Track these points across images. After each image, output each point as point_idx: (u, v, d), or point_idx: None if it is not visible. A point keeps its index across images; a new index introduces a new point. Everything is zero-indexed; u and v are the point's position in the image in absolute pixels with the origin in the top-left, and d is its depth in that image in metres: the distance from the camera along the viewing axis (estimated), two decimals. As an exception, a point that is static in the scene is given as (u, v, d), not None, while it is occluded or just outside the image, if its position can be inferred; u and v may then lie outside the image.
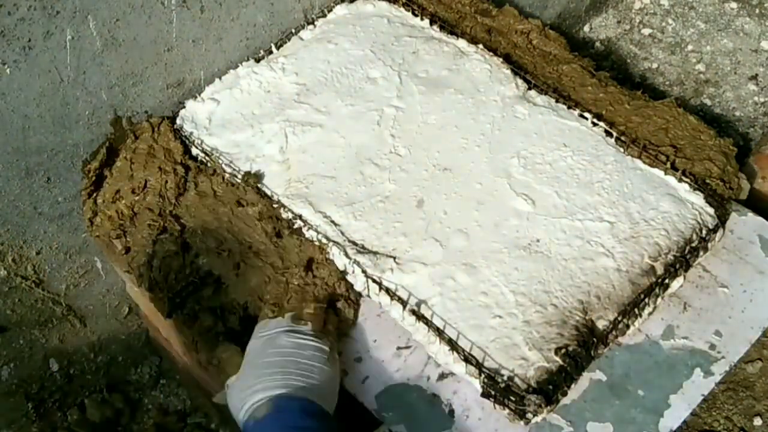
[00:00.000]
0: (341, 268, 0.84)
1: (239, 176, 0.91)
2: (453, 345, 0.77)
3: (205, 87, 1.02)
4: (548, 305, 0.80)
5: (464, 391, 0.78)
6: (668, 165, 0.91)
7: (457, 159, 0.93)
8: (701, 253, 0.87)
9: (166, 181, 0.91)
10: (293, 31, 1.09)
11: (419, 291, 0.82)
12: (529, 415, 0.74)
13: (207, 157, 0.94)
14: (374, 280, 0.82)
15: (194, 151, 0.96)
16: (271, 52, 1.07)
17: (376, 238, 0.86)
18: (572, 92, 1.00)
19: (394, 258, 0.84)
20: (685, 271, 0.85)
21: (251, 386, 0.71)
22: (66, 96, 0.87)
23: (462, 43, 1.05)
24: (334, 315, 0.82)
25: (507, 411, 0.75)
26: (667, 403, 0.78)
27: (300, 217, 0.87)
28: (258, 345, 0.76)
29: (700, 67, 1.65)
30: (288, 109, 0.99)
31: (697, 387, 0.79)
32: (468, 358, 0.76)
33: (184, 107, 1.00)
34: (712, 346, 0.82)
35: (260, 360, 0.74)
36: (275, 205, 0.88)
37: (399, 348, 0.82)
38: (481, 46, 1.04)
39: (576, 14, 1.67)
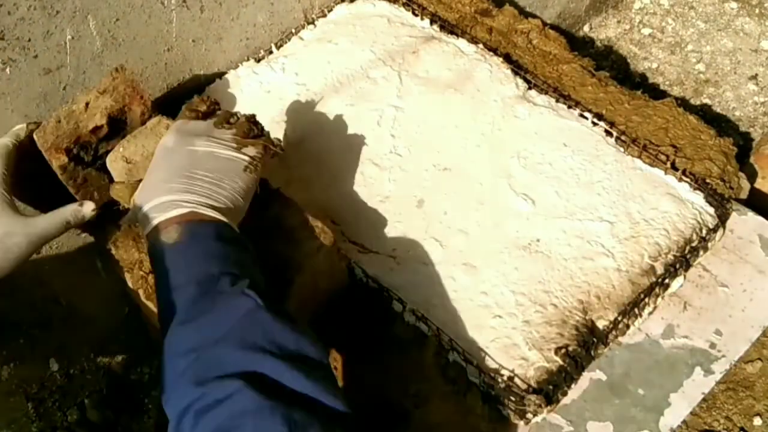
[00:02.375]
0: None
1: None
2: (453, 345, 0.77)
3: (205, 87, 1.02)
4: (548, 305, 0.80)
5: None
6: (668, 165, 0.91)
7: (457, 159, 0.93)
8: (701, 252, 0.87)
9: None
10: (293, 31, 1.09)
11: (419, 291, 0.82)
12: (529, 415, 0.74)
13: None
14: (374, 280, 0.82)
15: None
16: (271, 52, 1.07)
17: (376, 238, 0.86)
18: (572, 92, 1.00)
19: (394, 258, 0.84)
20: (686, 270, 0.86)
21: (159, 197, 0.65)
22: (66, 96, 0.87)
23: (462, 42, 1.05)
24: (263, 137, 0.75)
25: (507, 411, 0.75)
26: (668, 401, 0.78)
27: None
28: (169, 144, 0.69)
29: (700, 66, 1.65)
30: (288, 109, 0.99)
31: (698, 386, 0.79)
32: (468, 358, 0.76)
33: (184, 107, 1.00)
34: (713, 345, 0.82)
35: (165, 164, 0.67)
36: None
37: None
38: (481, 45, 1.04)
39: (576, 14, 1.68)
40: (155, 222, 0.63)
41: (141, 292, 0.77)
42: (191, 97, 1.00)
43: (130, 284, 0.79)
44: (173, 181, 0.65)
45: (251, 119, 0.74)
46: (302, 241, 0.75)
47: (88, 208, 0.73)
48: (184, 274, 0.61)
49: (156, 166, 0.68)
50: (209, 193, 0.65)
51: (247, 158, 0.70)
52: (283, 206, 0.78)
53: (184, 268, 0.61)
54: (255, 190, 0.71)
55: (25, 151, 0.75)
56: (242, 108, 0.99)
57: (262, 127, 0.75)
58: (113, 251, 0.79)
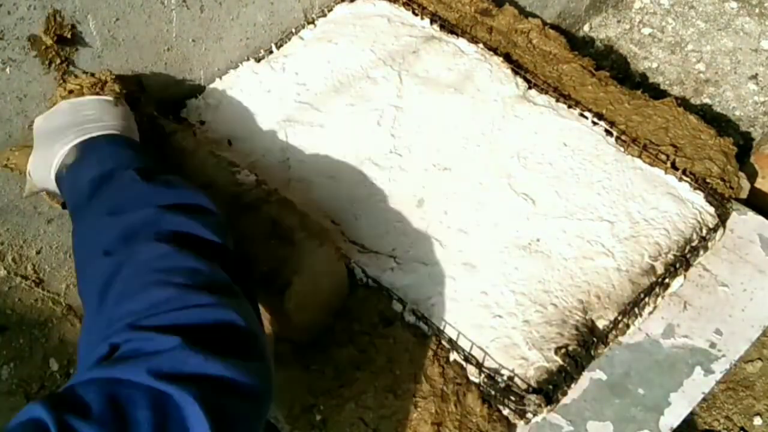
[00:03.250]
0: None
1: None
2: (453, 345, 0.77)
3: (205, 87, 1.02)
4: (548, 305, 0.80)
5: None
6: (668, 164, 0.91)
7: (457, 159, 0.93)
8: (701, 252, 0.87)
9: None
10: (293, 30, 1.09)
11: (419, 291, 0.82)
12: (529, 415, 0.74)
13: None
14: (374, 280, 0.82)
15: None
16: (271, 52, 1.06)
17: (376, 238, 0.86)
18: (572, 91, 1.00)
19: (394, 258, 0.84)
20: (686, 270, 0.85)
21: (51, 150, 0.72)
22: (66, 96, 0.87)
23: (462, 42, 1.05)
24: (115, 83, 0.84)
25: (507, 410, 0.75)
26: (668, 401, 0.78)
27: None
28: (41, 120, 0.77)
29: (700, 66, 1.65)
30: (288, 109, 0.99)
31: (698, 385, 0.79)
32: (468, 358, 0.76)
33: (184, 107, 1.00)
34: (713, 345, 0.82)
35: (49, 127, 0.75)
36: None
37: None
38: (481, 45, 1.04)
39: (576, 14, 1.67)
40: (59, 162, 0.71)
41: None
42: (191, 96, 1.01)
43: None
44: (60, 132, 0.73)
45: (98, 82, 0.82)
46: (301, 241, 0.75)
47: None
48: (85, 173, 0.68)
49: (37, 135, 0.76)
50: (97, 125, 0.74)
51: (108, 98, 0.79)
52: (282, 206, 0.78)
53: (84, 171, 0.68)
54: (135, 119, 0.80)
55: None
56: (242, 107, 0.99)
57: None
58: None
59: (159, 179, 0.66)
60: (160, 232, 0.59)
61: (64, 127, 0.74)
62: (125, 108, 0.80)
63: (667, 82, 1.63)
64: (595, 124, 0.96)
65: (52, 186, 0.74)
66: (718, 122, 1.55)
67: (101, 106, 0.77)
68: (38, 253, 1.00)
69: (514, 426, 0.75)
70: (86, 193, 0.66)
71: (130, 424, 0.44)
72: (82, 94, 0.80)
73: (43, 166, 0.73)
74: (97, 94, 0.80)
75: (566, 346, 0.77)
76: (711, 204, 0.88)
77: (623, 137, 0.94)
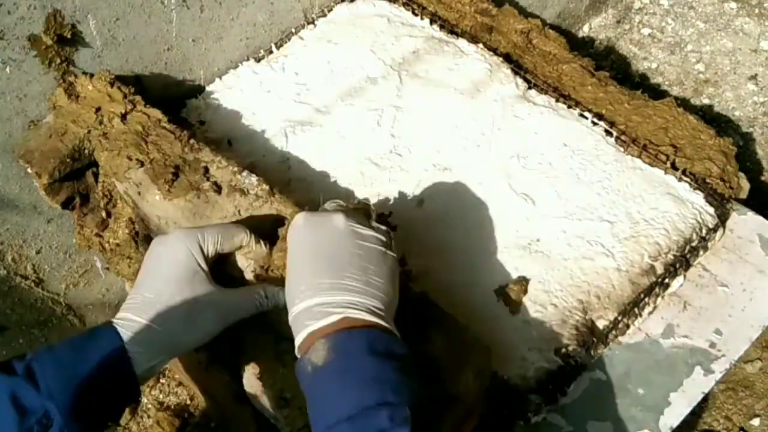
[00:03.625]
0: None
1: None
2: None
3: (205, 87, 1.02)
4: (548, 305, 0.80)
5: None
6: (668, 164, 0.91)
7: (458, 158, 0.93)
8: (701, 252, 0.87)
9: None
10: (293, 30, 1.09)
11: (419, 291, 0.81)
12: (529, 415, 0.74)
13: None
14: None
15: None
16: (271, 52, 1.06)
17: (376, 237, 0.86)
18: (572, 92, 1.00)
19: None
20: (685, 270, 0.86)
21: (306, 299, 0.57)
22: (66, 95, 0.87)
23: (462, 42, 1.05)
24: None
25: (507, 411, 0.75)
26: (668, 401, 0.78)
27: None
28: (301, 232, 0.60)
29: (700, 66, 1.65)
30: (288, 109, 0.99)
31: (698, 385, 0.79)
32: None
33: (184, 107, 1.00)
34: (713, 345, 0.82)
35: (312, 256, 0.59)
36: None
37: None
38: (481, 45, 1.04)
39: (576, 14, 1.68)
40: (305, 333, 0.56)
41: None
42: (191, 96, 1.01)
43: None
44: (319, 276, 0.57)
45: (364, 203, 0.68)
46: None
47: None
48: (336, 406, 0.53)
49: (295, 258, 0.60)
50: (360, 287, 0.57)
51: (383, 236, 0.61)
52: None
53: (335, 398, 0.53)
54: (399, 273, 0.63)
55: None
56: (242, 107, 0.99)
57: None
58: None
59: None
60: None
61: (322, 270, 0.57)
62: (394, 258, 0.61)
63: (667, 83, 1.63)
64: (594, 124, 0.96)
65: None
66: (718, 122, 1.56)
67: (371, 252, 0.59)
68: (38, 252, 1.00)
69: (515, 426, 0.75)
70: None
71: None
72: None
73: (294, 324, 0.57)
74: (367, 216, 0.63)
75: (566, 346, 0.77)
76: (711, 204, 0.88)
77: (623, 137, 0.94)
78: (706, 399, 0.89)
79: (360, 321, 0.56)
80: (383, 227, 0.63)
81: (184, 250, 0.62)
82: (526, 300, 0.80)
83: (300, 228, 0.61)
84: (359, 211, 0.64)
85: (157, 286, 0.60)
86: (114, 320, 0.60)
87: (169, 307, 0.59)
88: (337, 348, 0.54)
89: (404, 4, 1.11)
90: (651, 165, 0.91)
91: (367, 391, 0.52)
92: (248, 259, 0.67)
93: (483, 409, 0.70)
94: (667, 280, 0.83)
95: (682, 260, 0.84)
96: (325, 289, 0.56)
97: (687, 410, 0.77)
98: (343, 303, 0.56)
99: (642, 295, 0.81)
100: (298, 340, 0.57)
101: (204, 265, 0.62)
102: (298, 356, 0.57)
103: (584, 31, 1.74)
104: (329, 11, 1.11)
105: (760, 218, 0.91)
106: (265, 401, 0.74)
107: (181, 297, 0.59)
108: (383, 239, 0.61)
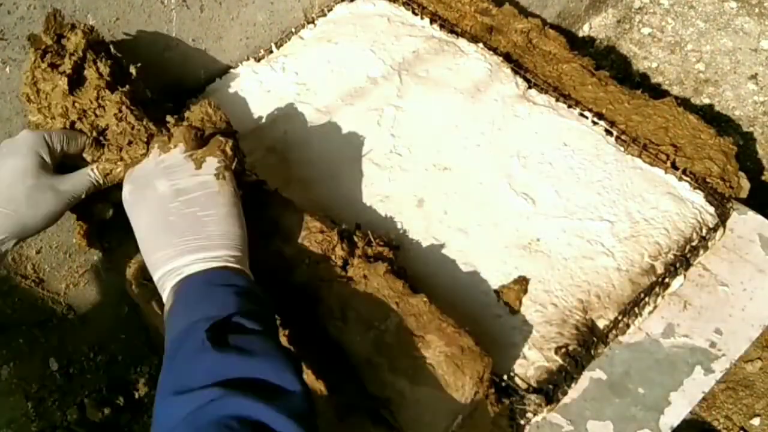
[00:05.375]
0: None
1: None
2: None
3: (205, 87, 1.02)
4: (548, 304, 0.80)
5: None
6: (668, 164, 0.91)
7: (458, 158, 0.93)
8: (701, 251, 0.87)
9: None
10: (293, 30, 1.09)
11: (419, 290, 0.81)
12: (529, 415, 0.74)
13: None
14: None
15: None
16: (271, 52, 1.06)
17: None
18: (572, 91, 1.00)
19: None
20: (686, 270, 0.86)
21: (156, 268, 0.63)
22: (66, 95, 0.87)
23: (462, 42, 1.05)
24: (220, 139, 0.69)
25: (507, 410, 0.75)
26: (668, 400, 0.78)
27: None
28: (129, 198, 0.67)
29: (700, 66, 1.65)
30: (288, 109, 0.99)
31: (698, 384, 0.79)
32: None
33: (184, 106, 1.00)
34: (713, 344, 0.82)
35: (145, 224, 0.65)
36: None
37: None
38: (481, 45, 1.04)
39: (576, 13, 1.68)
40: (166, 302, 0.63)
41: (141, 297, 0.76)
42: (191, 96, 1.01)
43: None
44: (160, 249, 0.63)
45: (189, 121, 0.72)
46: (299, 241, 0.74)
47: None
48: (172, 331, 0.59)
49: (137, 233, 0.66)
50: (199, 243, 0.63)
51: (211, 176, 0.66)
52: (281, 206, 0.77)
53: (173, 327, 0.59)
54: (241, 195, 0.68)
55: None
56: (242, 107, 0.99)
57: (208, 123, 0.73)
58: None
59: (233, 345, 0.56)
60: (223, 423, 0.50)
61: (157, 237, 0.63)
62: (230, 191, 0.66)
63: (667, 82, 1.63)
64: (595, 123, 0.96)
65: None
66: (718, 122, 1.56)
67: (202, 199, 0.64)
68: (38, 252, 1.00)
69: (515, 425, 0.75)
70: (166, 360, 0.57)
71: None
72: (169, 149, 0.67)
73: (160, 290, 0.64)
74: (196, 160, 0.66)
75: (566, 345, 0.77)
76: (711, 203, 0.88)
77: (623, 137, 0.94)
78: (706, 398, 0.89)
79: (214, 267, 0.62)
80: (213, 163, 0.66)
81: (29, 146, 0.68)
82: (526, 300, 0.80)
83: (129, 203, 0.67)
84: (184, 134, 0.68)
85: (3, 175, 0.66)
86: None
87: (13, 191, 0.65)
88: (178, 292, 0.61)
89: (404, 4, 1.11)
90: (651, 164, 0.91)
91: (196, 309, 0.58)
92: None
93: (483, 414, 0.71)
94: (667, 280, 0.83)
95: (682, 260, 0.84)
96: (171, 257, 0.62)
97: (687, 410, 0.77)
98: (188, 262, 0.62)
99: (642, 295, 0.81)
100: (165, 308, 0.62)
101: (48, 159, 0.68)
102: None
103: (584, 30, 1.74)
104: (329, 11, 1.11)
105: (761, 218, 0.91)
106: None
107: (24, 184, 0.66)
108: (210, 178, 0.66)
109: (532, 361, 0.76)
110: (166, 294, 0.63)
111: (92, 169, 0.71)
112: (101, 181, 0.71)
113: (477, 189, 0.90)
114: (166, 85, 0.99)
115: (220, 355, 0.54)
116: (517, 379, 0.74)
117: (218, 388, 0.52)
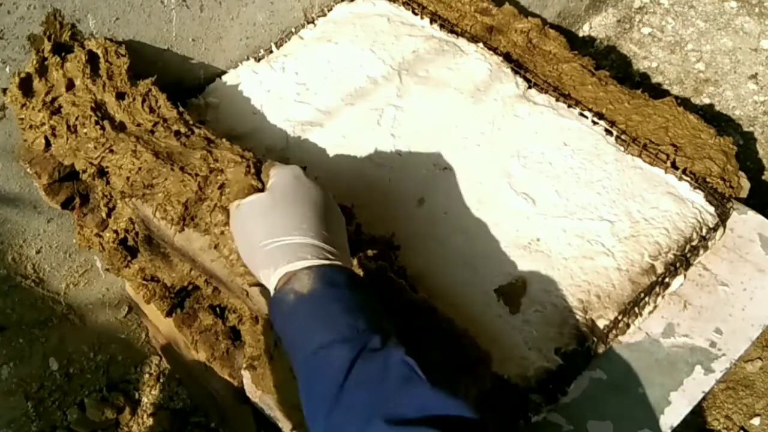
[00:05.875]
0: None
1: None
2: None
3: (205, 87, 1.02)
4: (548, 304, 0.80)
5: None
6: (668, 164, 0.91)
7: (458, 158, 0.93)
8: (701, 251, 0.87)
9: None
10: (293, 30, 1.09)
11: (419, 290, 0.81)
12: (530, 415, 0.74)
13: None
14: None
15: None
16: (271, 52, 1.06)
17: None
18: (572, 91, 1.00)
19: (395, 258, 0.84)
20: (686, 269, 0.86)
21: (283, 237, 0.60)
22: (66, 95, 0.87)
23: (462, 42, 1.05)
24: None
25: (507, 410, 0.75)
26: (668, 400, 0.78)
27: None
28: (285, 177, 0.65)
29: (700, 66, 1.65)
30: (288, 109, 0.99)
31: (698, 384, 0.79)
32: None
33: (184, 106, 1.00)
34: (713, 344, 0.82)
35: (282, 209, 0.62)
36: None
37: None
38: (481, 44, 1.04)
39: (576, 13, 1.68)
40: (284, 270, 0.59)
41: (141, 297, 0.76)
42: (191, 96, 1.01)
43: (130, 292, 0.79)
44: (289, 225, 0.61)
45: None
46: None
47: None
48: (328, 329, 0.56)
49: (278, 204, 0.64)
50: (324, 235, 0.61)
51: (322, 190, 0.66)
52: None
53: (325, 323, 0.56)
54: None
55: None
56: (242, 107, 0.99)
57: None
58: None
59: (442, 381, 0.53)
60: None
61: (289, 222, 0.61)
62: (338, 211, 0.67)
63: (667, 82, 1.63)
64: (595, 123, 0.96)
65: (255, 285, 0.64)
66: (718, 122, 1.56)
67: (324, 205, 0.64)
68: (38, 252, 1.00)
69: (515, 425, 0.75)
70: (335, 373, 0.53)
71: None
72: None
73: (258, 259, 0.61)
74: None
75: (566, 345, 0.77)
76: (711, 203, 0.88)
77: (623, 137, 0.94)
78: (706, 398, 0.89)
79: (330, 263, 0.60)
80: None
81: None
82: (526, 299, 0.80)
83: (290, 178, 0.66)
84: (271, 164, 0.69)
85: None
86: None
87: None
88: (322, 278, 0.58)
89: (404, 4, 1.11)
90: (651, 164, 0.91)
91: (356, 316, 0.56)
92: None
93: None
94: (667, 280, 0.83)
95: (682, 259, 0.84)
96: (298, 232, 0.60)
97: (687, 409, 0.77)
98: (316, 244, 0.60)
99: (642, 295, 0.81)
100: (278, 274, 0.59)
101: None
102: (273, 289, 0.60)
103: (584, 30, 1.74)
104: (329, 11, 1.11)
105: (761, 217, 0.91)
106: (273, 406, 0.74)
107: None
108: (321, 193, 0.66)
109: (532, 361, 0.76)
110: (287, 268, 0.59)
111: None
112: None
113: (477, 189, 0.90)
114: (166, 84, 0.99)
115: (430, 390, 0.52)
116: (517, 379, 0.74)
117: (435, 430, 0.49)
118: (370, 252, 0.74)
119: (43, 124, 0.79)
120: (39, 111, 0.79)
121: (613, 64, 1.67)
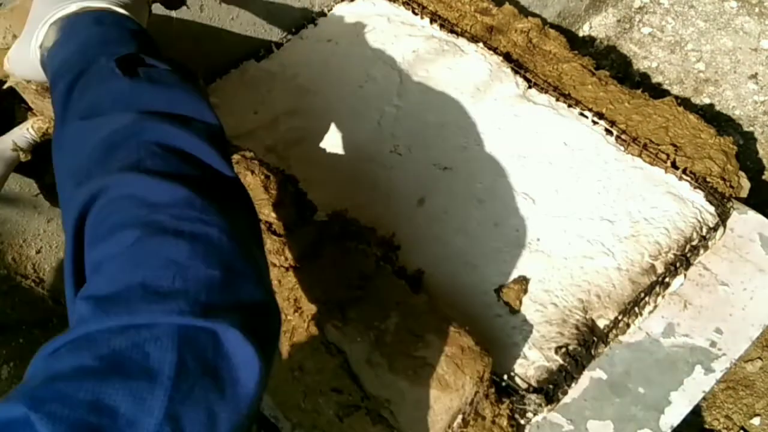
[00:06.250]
0: None
1: None
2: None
3: (205, 86, 1.02)
4: (548, 304, 0.80)
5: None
6: (668, 163, 0.91)
7: (458, 158, 0.93)
8: (702, 251, 0.87)
9: None
10: (293, 30, 1.09)
11: (419, 290, 0.81)
12: (530, 414, 0.74)
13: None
14: (374, 279, 0.82)
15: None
16: (271, 52, 1.06)
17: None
18: (572, 91, 1.00)
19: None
20: (686, 269, 0.85)
21: (34, 25, 0.57)
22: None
23: (462, 41, 1.05)
24: None
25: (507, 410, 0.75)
26: (668, 400, 0.78)
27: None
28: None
29: (700, 65, 1.65)
30: (288, 109, 0.99)
31: (698, 384, 0.79)
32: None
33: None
34: (713, 344, 0.82)
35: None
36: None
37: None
38: (481, 44, 1.04)
39: (576, 13, 1.67)
40: (42, 36, 0.57)
41: None
42: (191, 96, 1.01)
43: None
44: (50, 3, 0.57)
45: None
46: None
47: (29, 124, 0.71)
48: (62, 67, 0.53)
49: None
50: None
51: None
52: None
53: (62, 63, 0.54)
54: None
55: None
56: (243, 107, 0.99)
57: None
58: None
59: (145, 74, 0.51)
60: (143, 147, 0.45)
61: None
62: None
63: (667, 82, 1.63)
64: (595, 123, 0.96)
65: (38, 74, 0.59)
66: (718, 121, 1.55)
67: None
68: (38, 252, 1.00)
69: (515, 425, 0.75)
70: (64, 88, 0.51)
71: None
72: None
73: (26, 46, 0.58)
74: None
75: (566, 345, 0.77)
76: (711, 203, 0.88)
77: (623, 136, 0.94)
78: (706, 398, 0.89)
79: (92, 8, 0.57)
80: None
81: None
82: (526, 299, 0.80)
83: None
84: None
85: None
86: None
87: None
88: (64, 27, 0.56)
89: (404, 4, 1.11)
90: (651, 164, 0.91)
91: (90, 47, 0.53)
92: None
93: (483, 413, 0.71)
94: (667, 279, 0.83)
95: (682, 259, 0.84)
96: (51, 8, 0.57)
97: (687, 409, 0.77)
98: (70, 2, 0.56)
99: (642, 294, 0.81)
100: (39, 38, 0.57)
101: None
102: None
103: (584, 30, 1.74)
104: (329, 11, 1.11)
105: (761, 217, 0.91)
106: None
107: None
108: None
109: (532, 361, 0.76)
110: (40, 36, 0.56)
111: (28, 129, 0.70)
112: (38, 139, 0.71)
113: (477, 188, 0.90)
114: (166, 84, 0.99)
115: (132, 83, 0.49)
116: (517, 379, 0.74)
117: (134, 114, 0.46)
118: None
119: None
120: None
121: (613, 64, 1.67)
